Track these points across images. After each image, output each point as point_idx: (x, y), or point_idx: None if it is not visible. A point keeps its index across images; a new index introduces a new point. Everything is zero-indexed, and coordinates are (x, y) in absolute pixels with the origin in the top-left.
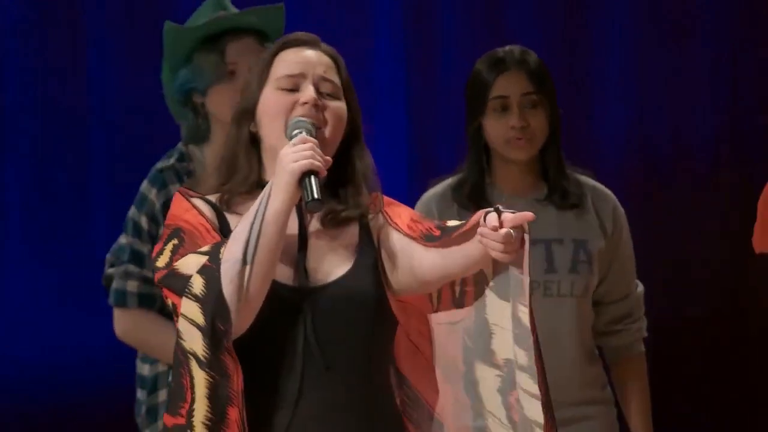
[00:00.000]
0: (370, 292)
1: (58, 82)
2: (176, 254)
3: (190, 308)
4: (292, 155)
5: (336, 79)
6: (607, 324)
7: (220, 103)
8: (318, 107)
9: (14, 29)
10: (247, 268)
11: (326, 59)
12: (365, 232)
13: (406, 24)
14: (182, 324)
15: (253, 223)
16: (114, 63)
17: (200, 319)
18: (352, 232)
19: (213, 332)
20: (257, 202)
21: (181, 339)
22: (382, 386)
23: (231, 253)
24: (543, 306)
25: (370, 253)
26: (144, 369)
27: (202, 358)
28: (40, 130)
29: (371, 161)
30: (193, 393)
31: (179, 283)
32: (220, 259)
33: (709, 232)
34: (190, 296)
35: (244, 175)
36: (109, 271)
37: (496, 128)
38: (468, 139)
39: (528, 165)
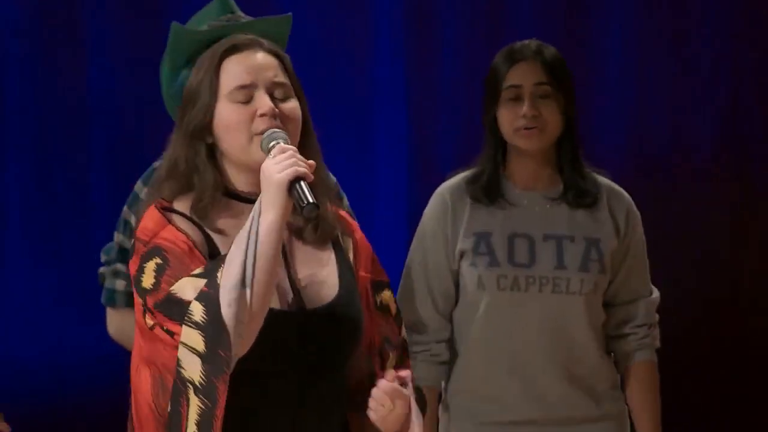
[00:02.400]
0: (360, 319)
1: (58, 82)
2: (163, 275)
3: (190, 336)
4: (274, 167)
5: (285, 78)
6: (614, 327)
7: None
8: (276, 115)
9: (14, 29)
10: (247, 291)
11: (271, 60)
12: (339, 250)
13: (406, 24)
14: (182, 352)
15: (248, 244)
16: (114, 63)
17: (201, 346)
18: (327, 247)
19: (214, 359)
20: (248, 221)
21: (181, 368)
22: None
23: (229, 277)
24: (552, 302)
25: (351, 274)
26: None
27: (198, 384)
28: (41, 130)
29: (320, 153)
30: (186, 420)
31: (178, 311)
32: (218, 284)
33: (709, 231)
34: (190, 324)
35: (210, 186)
36: (101, 270)
37: (507, 117)
38: (484, 131)
39: (543, 158)
